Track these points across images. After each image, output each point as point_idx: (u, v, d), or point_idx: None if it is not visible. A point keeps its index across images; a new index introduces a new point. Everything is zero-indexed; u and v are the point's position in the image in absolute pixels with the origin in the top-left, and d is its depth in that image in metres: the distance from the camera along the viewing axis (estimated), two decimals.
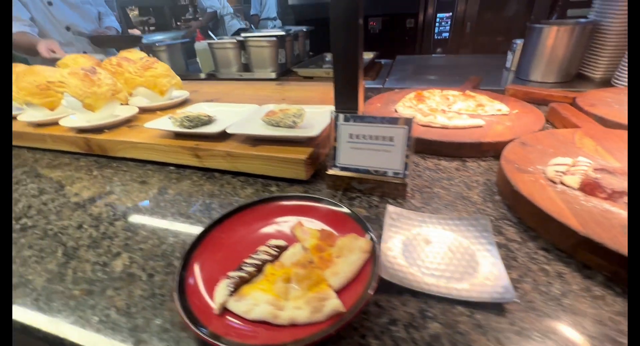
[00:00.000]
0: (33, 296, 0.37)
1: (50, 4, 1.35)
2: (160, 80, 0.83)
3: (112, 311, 0.34)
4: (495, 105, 0.74)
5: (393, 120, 0.48)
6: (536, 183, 0.45)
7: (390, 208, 0.45)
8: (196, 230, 0.46)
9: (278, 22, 3.56)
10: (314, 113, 0.66)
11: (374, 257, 0.35)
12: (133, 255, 0.42)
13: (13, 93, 0.75)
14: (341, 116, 0.50)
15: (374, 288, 0.31)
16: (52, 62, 1.05)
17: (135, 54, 1.07)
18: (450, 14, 2.59)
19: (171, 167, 0.65)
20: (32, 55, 1.30)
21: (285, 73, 1.39)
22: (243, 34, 1.31)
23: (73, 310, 0.34)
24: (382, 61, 1.57)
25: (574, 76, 1.04)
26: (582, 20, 1.01)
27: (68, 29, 1.41)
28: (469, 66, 1.45)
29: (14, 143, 0.81)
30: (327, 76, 1.28)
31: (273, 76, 1.34)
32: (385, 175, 0.50)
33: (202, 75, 1.46)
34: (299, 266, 0.34)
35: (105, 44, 1.45)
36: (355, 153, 0.51)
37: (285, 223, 0.44)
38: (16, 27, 1.23)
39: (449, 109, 0.76)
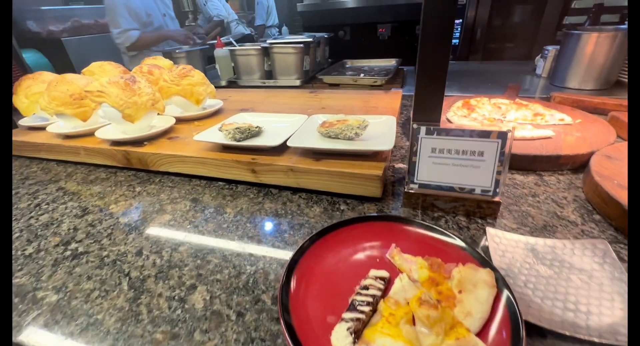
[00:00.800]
0: (109, 341, 0.32)
1: (164, 15, 1.83)
2: (196, 89, 0.79)
3: None
4: (555, 114, 0.70)
5: (484, 134, 0.44)
6: None
7: (492, 231, 0.41)
8: (274, 256, 0.41)
9: (285, 29, 3.55)
10: (371, 124, 0.62)
11: (501, 292, 0.31)
12: (211, 288, 0.37)
13: (44, 104, 0.70)
14: (423, 129, 0.46)
15: (523, 332, 0.27)
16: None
17: (161, 60, 1.03)
18: (461, 20, 2.59)
19: (220, 182, 0.60)
20: (142, 49, 1.70)
21: (309, 80, 1.35)
22: (268, 41, 1.28)
23: None
24: (405, 68, 1.54)
25: (613, 83, 1.01)
26: (623, 26, 0.99)
27: None
28: (491, 73, 1.42)
29: (43, 156, 0.75)
30: (354, 83, 1.24)
31: (297, 83, 1.30)
32: (473, 192, 0.46)
33: (223, 83, 1.41)
34: (426, 305, 0.29)
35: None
36: (438, 168, 0.46)
37: (375, 249, 0.39)
38: (137, 33, 1.66)
39: (504, 118, 0.72)
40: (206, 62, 1.59)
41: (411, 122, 0.47)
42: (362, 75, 1.32)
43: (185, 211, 0.52)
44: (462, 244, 0.37)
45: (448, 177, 0.46)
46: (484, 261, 0.35)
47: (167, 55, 1.38)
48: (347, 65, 1.57)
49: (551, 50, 1.17)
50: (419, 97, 0.47)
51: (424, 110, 0.47)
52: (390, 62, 1.54)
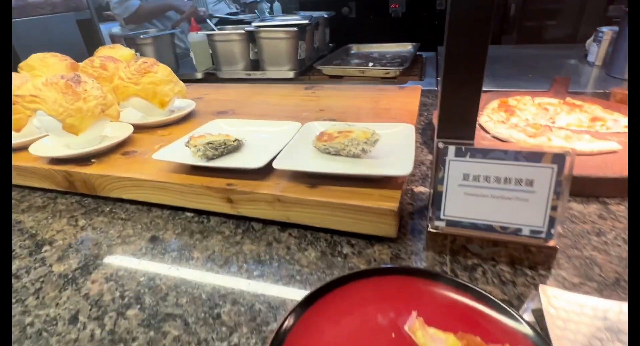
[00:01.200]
0: None
1: None
2: (161, 89, 0.75)
3: None
4: (619, 118, 0.66)
5: (534, 156, 0.39)
6: None
7: (548, 291, 0.36)
8: (253, 326, 0.37)
9: (277, 5, 3.52)
10: (382, 135, 0.57)
11: None
12: None
13: None
14: (451, 149, 0.42)
15: None
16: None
17: (120, 50, 1.00)
18: None
19: (187, 213, 0.56)
20: (141, 22, 1.80)
21: (305, 71, 1.32)
22: (254, 24, 1.24)
23: None
24: (423, 54, 1.50)
25: None
26: None
27: None
28: (529, 59, 1.39)
29: None
30: (361, 75, 1.20)
31: (290, 75, 1.27)
32: (519, 234, 0.41)
33: (198, 75, 1.39)
34: None
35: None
36: (472, 201, 0.42)
37: (390, 317, 0.35)
38: (137, 2, 1.74)
39: (553, 124, 0.68)
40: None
41: (435, 139, 0.43)
42: (370, 64, 1.29)
43: (140, 255, 0.48)
44: (510, 315, 0.32)
45: (486, 212, 0.42)
46: (541, 341, 0.30)
47: (130, 41, 1.35)
48: (352, 52, 1.54)
49: (607, 32, 1.12)
50: (446, 105, 0.43)
51: (453, 123, 0.43)
52: (406, 47, 1.51)
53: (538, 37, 2.41)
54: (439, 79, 1.18)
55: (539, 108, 0.73)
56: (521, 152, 0.40)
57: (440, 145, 0.42)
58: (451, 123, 0.43)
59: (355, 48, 1.55)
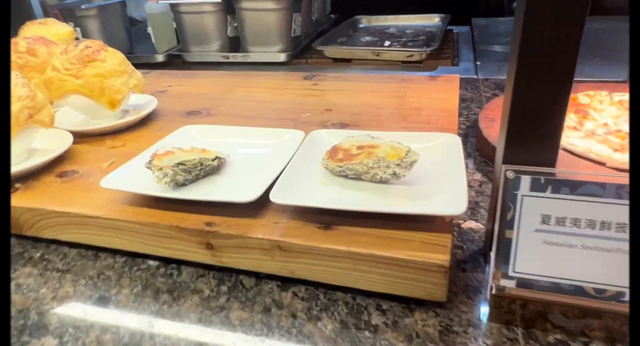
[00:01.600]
0: None
1: None
2: (111, 83, 0.72)
3: None
4: None
5: None
6: None
7: None
8: None
9: None
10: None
11: None
12: None
13: None
14: (525, 180, 0.39)
15: None
16: None
17: (53, 26, 0.97)
18: None
19: (150, 262, 0.53)
20: None
21: (301, 53, 1.31)
22: None
23: None
24: (454, 29, 1.48)
25: None
26: None
27: None
28: (595, 37, 1.38)
29: None
30: (375, 59, 1.18)
31: (282, 59, 1.26)
32: (620, 299, 0.39)
33: (159, 57, 1.37)
34: None
35: None
36: (554, 253, 0.40)
37: None
38: None
39: None
40: (131, 24, 1.53)
41: (499, 165, 0.40)
42: (387, 43, 1.28)
43: (83, 327, 0.44)
44: None
45: (574, 268, 0.40)
46: None
47: (68, 13, 1.32)
48: (362, 26, 1.54)
49: None
50: (518, 113, 0.39)
51: (527, 141, 0.40)
52: (432, 20, 1.50)
53: (601, 6, 2.40)
54: (478, 63, 1.17)
55: (621, 108, 0.71)
56: (625, 186, 0.37)
57: (510, 174, 0.39)
58: (524, 141, 0.40)
59: (364, 21, 1.54)
